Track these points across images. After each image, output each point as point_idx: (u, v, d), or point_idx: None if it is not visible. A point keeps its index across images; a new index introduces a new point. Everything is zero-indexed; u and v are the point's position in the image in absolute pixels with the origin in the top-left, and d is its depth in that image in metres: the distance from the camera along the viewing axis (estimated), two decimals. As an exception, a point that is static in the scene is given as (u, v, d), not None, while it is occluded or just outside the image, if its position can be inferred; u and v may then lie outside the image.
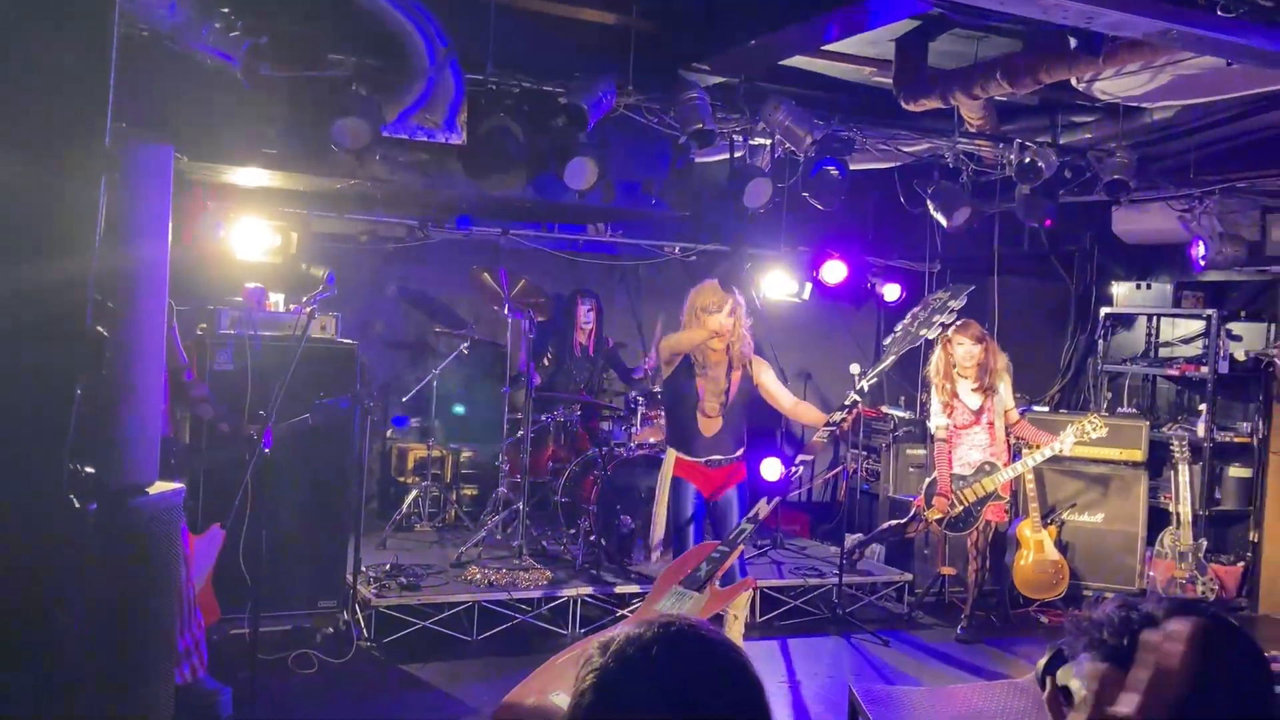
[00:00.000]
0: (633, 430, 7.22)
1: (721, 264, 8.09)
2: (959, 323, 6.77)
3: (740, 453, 5.61)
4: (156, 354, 2.81)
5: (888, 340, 5.02)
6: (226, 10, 4.44)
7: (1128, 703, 1.50)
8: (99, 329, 2.17)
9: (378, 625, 5.92)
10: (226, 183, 6.62)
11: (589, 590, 6.42)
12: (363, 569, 6.13)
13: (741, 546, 5.05)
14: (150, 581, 2.81)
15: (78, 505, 2.24)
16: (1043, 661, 1.71)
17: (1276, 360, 7.26)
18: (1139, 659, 1.52)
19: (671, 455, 5.61)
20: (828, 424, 4.99)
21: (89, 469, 2.25)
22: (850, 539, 7.56)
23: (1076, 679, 1.62)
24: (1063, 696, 1.63)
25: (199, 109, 5.35)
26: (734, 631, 5.68)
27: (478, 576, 6.35)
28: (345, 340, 6.01)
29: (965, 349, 6.68)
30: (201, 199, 6.04)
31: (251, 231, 6.41)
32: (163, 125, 5.10)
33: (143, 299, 2.77)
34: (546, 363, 7.93)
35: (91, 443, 2.32)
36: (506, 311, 7.08)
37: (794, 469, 5.08)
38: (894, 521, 7.39)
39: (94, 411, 2.34)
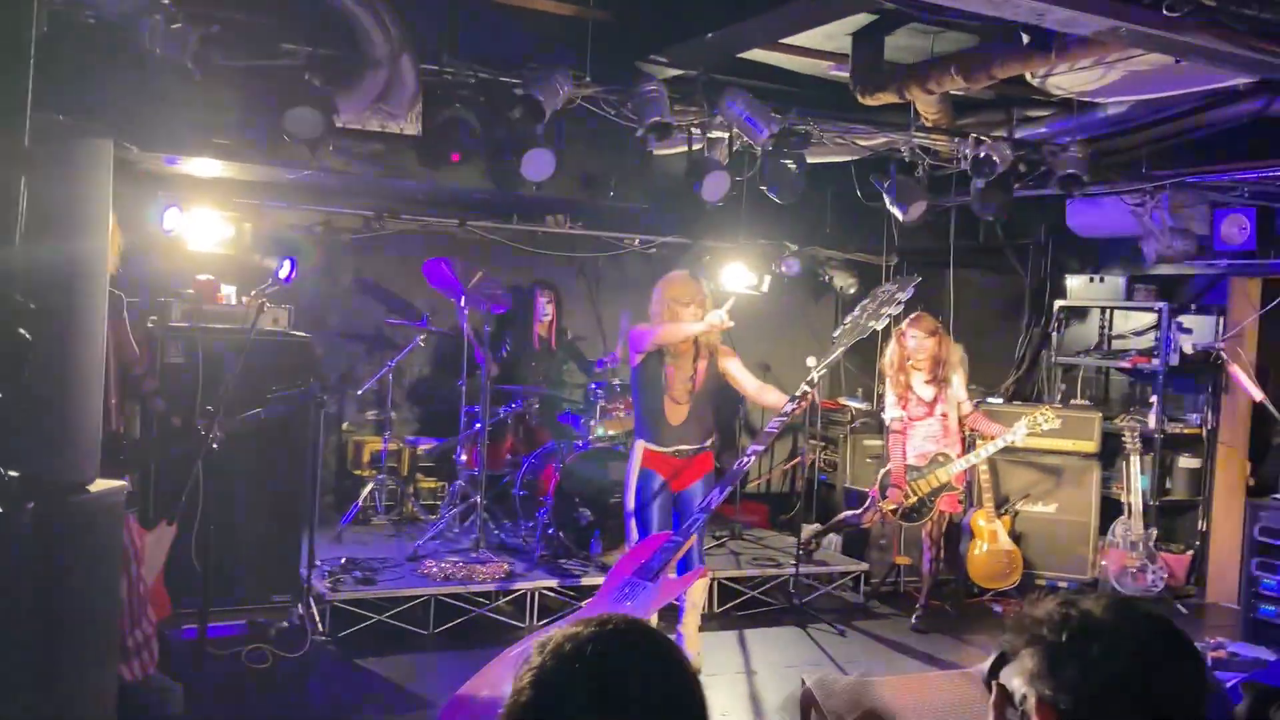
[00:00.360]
0: (591, 423, 7.22)
1: (691, 257, 8.12)
2: (912, 315, 6.83)
3: (708, 443, 5.67)
4: (96, 350, 2.76)
5: (836, 332, 5.05)
6: (167, 3, 4.36)
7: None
8: (21, 332, 2.11)
9: (333, 619, 5.88)
10: (178, 173, 6.53)
11: (547, 583, 6.42)
12: (318, 563, 6.09)
13: (695, 536, 5.08)
14: (89, 579, 2.76)
15: (1, 510, 2.19)
16: (988, 664, 1.73)
17: (1225, 353, 7.37)
18: None
19: (640, 446, 5.66)
20: (780, 415, 5.03)
21: (13, 472, 2.20)
22: (807, 529, 7.61)
23: (1018, 676, 1.65)
24: (1006, 699, 1.66)
25: (149, 98, 5.27)
26: (691, 621, 5.71)
27: (434, 570, 6.32)
28: (299, 333, 5.94)
29: (918, 341, 6.74)
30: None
31: (204, 222, 6.31)
32: (107, 115, 5.02)
33: (80, 295, 2.72)
34: (505, 355, 7.90)
35: (24, 443, 2.27)
36: (463, 303, 7.04)
37: (748, 457, 5.10)
38: (850, 512, 7.45)
39: (31, 410, 2.30)
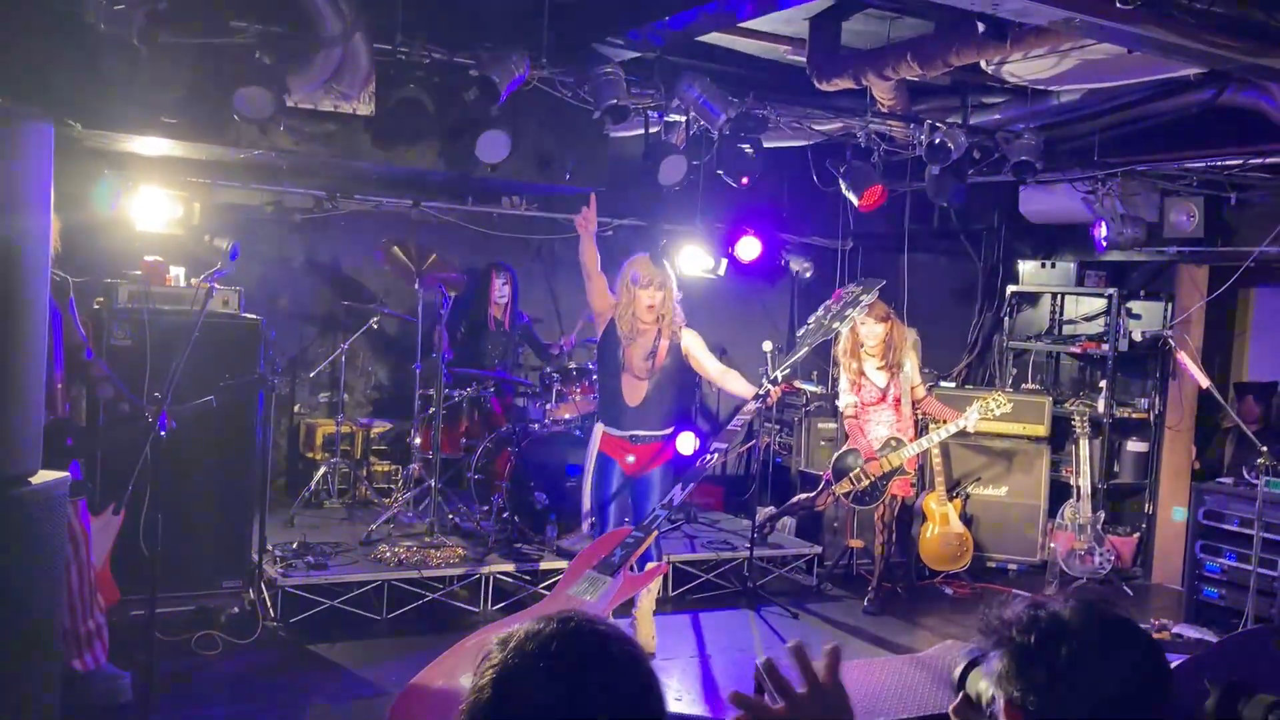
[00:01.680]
0: (548, 406, 7.19)
1: (649, 239, 8.10)
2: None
3: (667, 431, 5.66)
4: (38, 338, 2.70)
5: (800, 332, 5.09)
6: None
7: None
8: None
9: (284, 605, 5.83)
10: (125, 151, 6.39)
11: (502, 568, 6.40)
12: (269, 547, 6.03)
13: (656, 532, 5.08)
14: (33, 572, 2.71)
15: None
16: (957, 673, 1.77)
17: (1173, 339, 7.49)
18: None
19: (598, 430, 5.67)
20: (742, 413, 5.05)
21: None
22: (762, 512, 7.65)
23: (986, 678, 1.68)
24: (970, 707, 1.69)
25: (93, 75, 5.15)
26: (645, 606, 5.73)
27: (387, 554, 6.28)
28: (249, 315, 5.85)
29: (869, 328, 6.78)
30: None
31: (152, 202, 6.18)
32: (50, 94, 4.90)
33: (20, 283, 2.64)
34: (460, 337, 7.84)
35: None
36: (418, 285, 6.98)
37: (709, 455, 5.12)
38: (804, 495, 7.50)
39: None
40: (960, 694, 1.78)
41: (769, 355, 7.54)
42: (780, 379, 5.14)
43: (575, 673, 1.40)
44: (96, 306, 5.52)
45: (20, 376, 2.64)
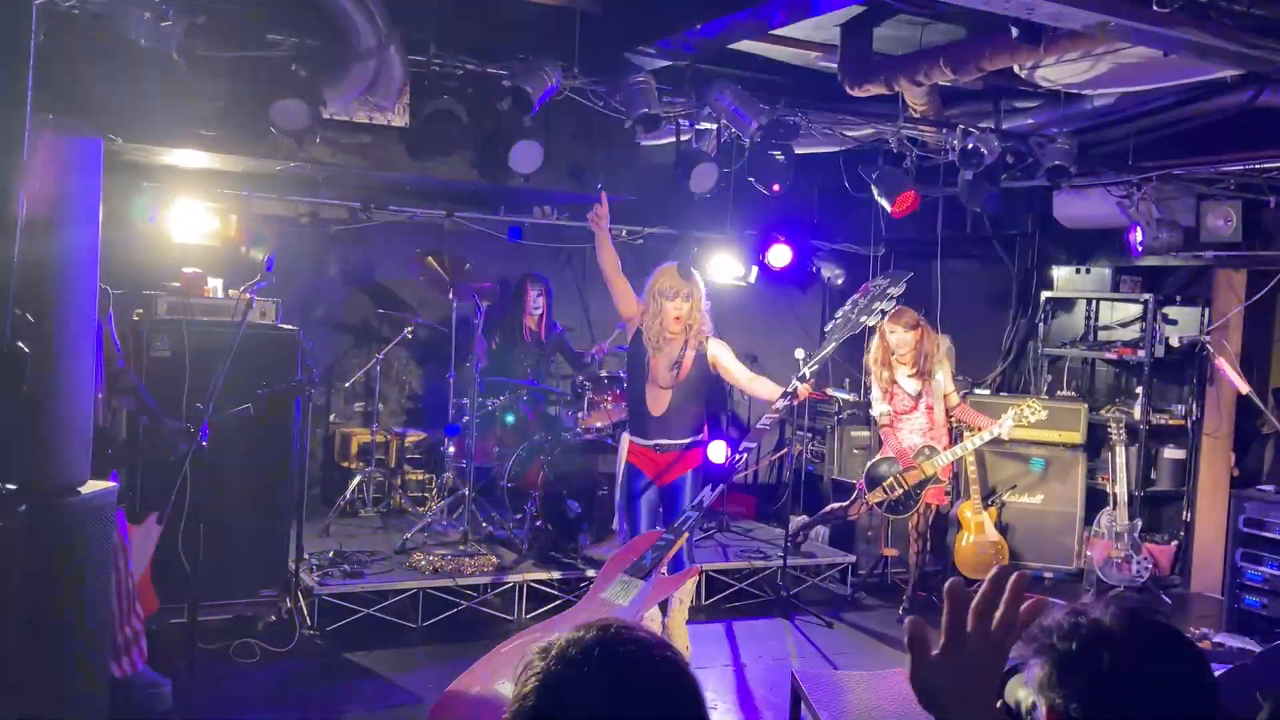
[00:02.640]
0: (580, 415, 7.21)
1: (680, 248, 8.08)
2: (892, 310, 6.83)
3: (693, 440, 5.62)
4: (87, 350, 2.74)
5: (828, 327, 5.06)
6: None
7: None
8: (19, 345, 2.09)
9: (321, 613, 5.87)
10: (164, 164, 6.48)
11: (535, 575, 6.41)
12: (305, 556, 6.07)
13: (687, 534, 5.07)
14: (82, 579, 2.75)
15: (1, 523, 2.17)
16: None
17: (1210, 344, 7.41)
18: None
19: (625, 440, 5.65)
20: (771, 410, 5.03)
21: (10, 485, 2.18)
22: (795, 521, 7.63)
23: (1025, 688, 1.67)
24: (1008, 713, 1.68)
25: (133, 89, 5.23)
26: (678, 616, 5.72)
27: (422, 563, 6.31)
28: (286, 326, 5.90)
29: (898, 336, 6.74)
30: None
31: (189, 214, 6.28)
32: (92, 107, 4.97)
33: (72, 294, 2.69)
34: (494, 346, 7.87)
35: (17, 447, 2.25)
36: (451, 295, 7.01)
37: (739, 454, 5.10)
38: (836, 504, 7.47)
39: (23, 413, 2.27)
40: (999, 703, 1.77)
41: (801, 361, 7.51)
42: (809, 375, 5.09)
43: (618, 679, 1.42)
44: (136, 318, 5.59)
45: (70, 389, 2.69)
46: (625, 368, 5.78)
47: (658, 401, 5.57)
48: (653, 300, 5.55)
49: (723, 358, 5.63)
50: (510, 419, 7.46)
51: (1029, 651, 1.65)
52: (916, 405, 6.82)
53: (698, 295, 5.57)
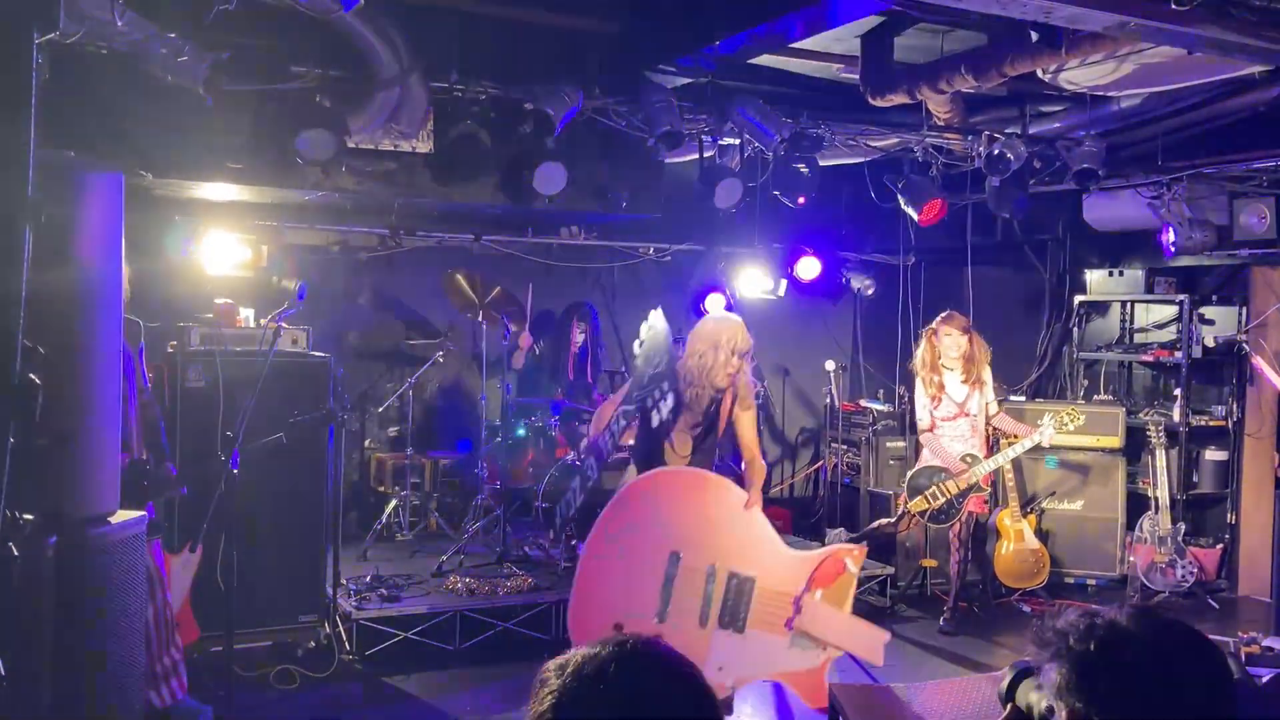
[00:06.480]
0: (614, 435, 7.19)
1: (707, 264, 7.96)
2: (943, 314, 6.79)
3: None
4: (112, 382, 2.79)
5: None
6: (174, 36, 4.39)
7: None
8: (31, 376, 2.13)
9: (359, 638, 5.89)
10: (194, 197, 6.58)
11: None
12: (343, 581, 6.10)
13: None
14: (113, 609, 2.78)
15: (16, 553, 2.21)
16: (1004, 685, 1.73)
17: (1248, 344, 7.30)
18: None
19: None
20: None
21: (27, 515, 2.22)
22: (832, 534, 7.58)
23: (1037, 691, 1.65)
24: (1020, 716, 1.66)
25: (162, 125, 5.33)
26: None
27: (459, 585, 6.33)
28: (318, 354, 5.95)
29: (953, 339, 6.68)
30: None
31: (221, 245, 6.36)
32: (120, 146, 5.06)
33: (96, 327, 2.74)
34: (535, 359, 7.86)
35: (44, 478, 2.29)
36: (481, 318, 7.05)
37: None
38: (883, 521, 7.34)
39: (49, 444, 2.31)
40: (1009, 705, 1.75)
41: (832, 374, 7.48)
42: None
43: (633, 694, 1.42)
44: (170, 349, 5.66)
45: (96, 420, 2.74)
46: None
47: (670, 459, 5.15)
48: (728, 358, 4.94)
49: (745, 421, 5.14)
50: (542, 440, 7.48)
51: (1044, 656, 1.63)
52: (961, 412, 6.74)
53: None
